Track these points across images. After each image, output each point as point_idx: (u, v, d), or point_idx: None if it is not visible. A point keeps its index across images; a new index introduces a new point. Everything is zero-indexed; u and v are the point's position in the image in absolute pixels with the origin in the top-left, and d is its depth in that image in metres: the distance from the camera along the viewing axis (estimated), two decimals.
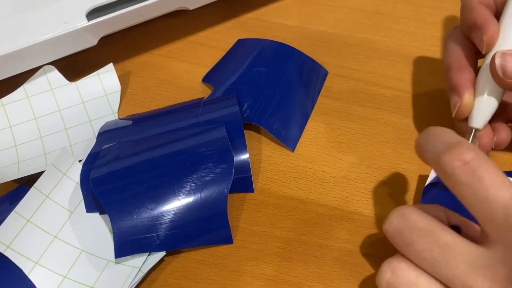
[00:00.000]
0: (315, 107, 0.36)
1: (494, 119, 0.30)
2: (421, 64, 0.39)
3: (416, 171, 0.33)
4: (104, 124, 0.35)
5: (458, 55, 0.31)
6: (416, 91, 0.37)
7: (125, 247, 0.28)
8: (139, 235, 0.28)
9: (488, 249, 0.21)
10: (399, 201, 0.31)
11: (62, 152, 0.30)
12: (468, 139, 0.29)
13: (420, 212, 0.24)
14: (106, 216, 0.30)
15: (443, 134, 0.23)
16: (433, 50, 0.40)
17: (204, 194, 0.29)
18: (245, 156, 0.32)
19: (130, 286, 0.27)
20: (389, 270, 0.23)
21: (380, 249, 0.29)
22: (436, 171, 0.23)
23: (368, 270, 0.29)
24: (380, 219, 0.31)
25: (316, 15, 0.43)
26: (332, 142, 0.34)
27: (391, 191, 0.32)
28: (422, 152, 0.24)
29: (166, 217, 0.28)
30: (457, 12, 0.42)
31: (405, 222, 0.23)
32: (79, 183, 0.31)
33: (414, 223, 0.23)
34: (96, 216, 0.30)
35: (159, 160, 0.30)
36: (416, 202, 0.31)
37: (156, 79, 0.39)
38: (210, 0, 0.40)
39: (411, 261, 0.23)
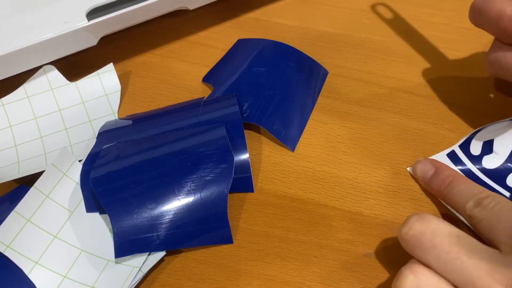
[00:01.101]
0: (315, 107, 0.36)
1: None
2: (422, 64, 0.39)
3: None
4: (104, 124, 0.35)
5: None
6: (416, 91, 0.37)
7: (125, 247, 0.28)
8: (139, 235, 0.28)
9: (503, 254, 0.23)
10: (399, 201, 0.31)
11: (62, 152, 0.30)
12: None
13: (439, 218, 0.25)
14: (106, 216, 0.30)
15: (467, 188, 0.27)
16: (433, 50, 0.40)
17: (204, 194, 0.29)
18: (245, 156, 0.32)
19: (130, 286, 0.27)
20: (411, 273, 0.23)
21: (380, 249, 0.30)
22: (463, 216, 0.27)
23: (368, 270, 0.29)
24: (380, 219, 0.31)
25: (316, 15, 0.43)
26: (332, 142, 0.34)
27: (391, 191, 0.32)
28: (448, 201, 0.29)
29: (166, 217, 0.29)
30: (456, 12, 0.43)
31: (428, 225, 0.24)
32: (79, 183, 0.31)
33: (438, 226, 0.24)
34: (96, 216, 0.30)
35: (159, 160, 0.30)
36: (415, 201, 0.31)
37: (156, 79, 0.39)
38: (210, 0, 0.40)
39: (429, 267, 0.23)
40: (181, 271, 0.29)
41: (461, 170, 0.31)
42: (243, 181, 0.32)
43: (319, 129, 0.35)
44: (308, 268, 0.29)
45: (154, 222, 0.28)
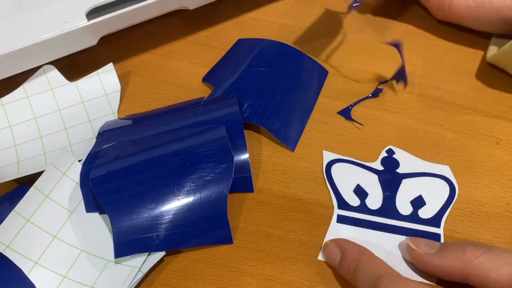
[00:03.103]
0: (315, 107, 0.36)
1: None
2: (421, 64, 0.39)
3: None
4: (104, 124, 0.35)
5: None
6: (416, 91, 0.37)
7: (124, 247, 0.28)
8: (138, 235, 0.28)
9: None
10: None
11: (62, 151, 0.30)
12: None
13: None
14: (106, 216, 0.30)
15: (372, 265, 0.27)
16: (434, 50, 0.40)
17: (204, 194, 0.29)
18: (245, 156, 0.32)
19: (129, 286, 0.27)
20: None
21: None
22: None
23: None
24: None
25: (316, 15, 0.43)
26: (332, 142, 0.34)
27: None
28: (353, 279, 0.27)
29: (166, 217, 0.28)
30: None
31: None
32: (79, 182, 0.31)
33: None
34: (95, 216, 0.30)
35: (159, 160, 0.30)
36: None
37: (156, 79, 0.39)
38: (210, 0, 0.40)
39: None
40: (181, 271, 0.29)
41: (358, 224, 0.30)
42: (243, 181, 0.32)
43: (319, 129, 0.35)
44: (308, 268, 0.29)
45: (154, 222, 0.28)
